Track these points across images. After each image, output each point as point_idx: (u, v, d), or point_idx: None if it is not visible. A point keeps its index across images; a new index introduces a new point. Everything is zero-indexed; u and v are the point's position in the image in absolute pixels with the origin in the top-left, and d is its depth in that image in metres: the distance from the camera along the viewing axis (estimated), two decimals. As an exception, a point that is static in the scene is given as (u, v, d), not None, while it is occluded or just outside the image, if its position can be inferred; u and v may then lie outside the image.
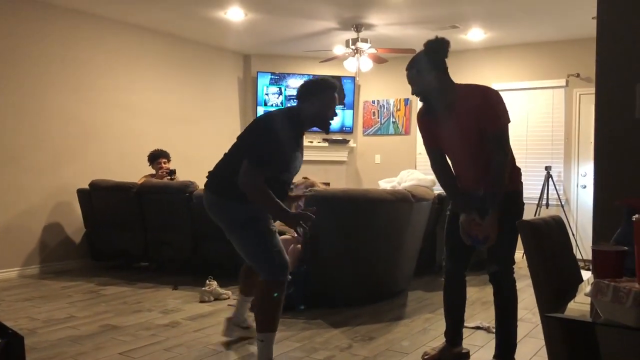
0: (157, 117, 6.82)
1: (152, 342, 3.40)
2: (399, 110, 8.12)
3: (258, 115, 7.93)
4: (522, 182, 2.96)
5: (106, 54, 6.26)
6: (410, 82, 2.89)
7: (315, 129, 3.05)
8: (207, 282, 4.51)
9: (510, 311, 2.92)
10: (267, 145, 2.82)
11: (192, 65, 7.32)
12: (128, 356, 3.16)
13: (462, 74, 7.51)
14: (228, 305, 4.33)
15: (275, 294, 2.86)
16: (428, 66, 2.76)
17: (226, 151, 3.09)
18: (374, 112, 8.32)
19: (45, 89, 5.66)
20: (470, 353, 3.21)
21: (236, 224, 2.95)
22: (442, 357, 3.08)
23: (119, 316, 4.00)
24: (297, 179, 4.68)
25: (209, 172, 3.09)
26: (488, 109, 2.69)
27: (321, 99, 2.94)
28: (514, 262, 2.93)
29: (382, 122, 8.27)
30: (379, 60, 6.74)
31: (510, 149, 2.79)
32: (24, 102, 5.48)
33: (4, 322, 2.76)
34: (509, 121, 2.73)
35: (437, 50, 2.77)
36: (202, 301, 4.42)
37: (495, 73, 7.39)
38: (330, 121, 3.01)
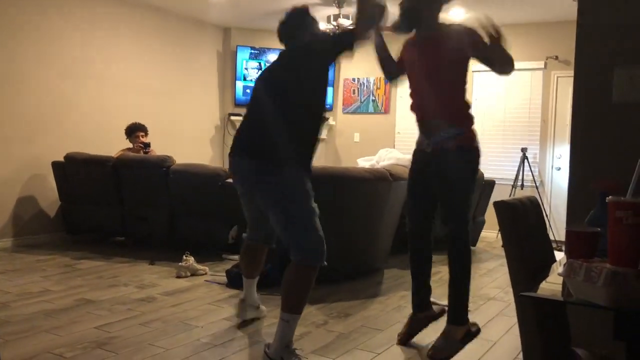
0: (135, 90, 6.71)
1: (128, 317, 3.40)
2: (379, 88, 8.11)
3: (237, 90, 7.89)
4: (478, 142, 2.89)
5: (83, 24, 6.10)
6: (407, 13, 2.92)
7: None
8: (184, 257, 4.50)
9: (461, 272, 2.86)
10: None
11: (171, 38, 7.19)
12: (104, 330, 3.15)
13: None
14: (205, 281, 4.33)
15: (308, 278, 2.69)
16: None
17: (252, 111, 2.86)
18: (353, 90, 8.30)
19: (18, 59, 5.51)
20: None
21: (288, 195, 2.70)
22: (411, 329, 3.08)
23: (95, 290, 3.98)
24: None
25: (247, 135, 2.80)
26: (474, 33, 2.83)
27: (308, 25, 2.94)
28: (467, 222, 2.87)
29: (362, 100, 8.25)
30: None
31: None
32: (-4, 71, 5.34)
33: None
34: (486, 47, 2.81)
35: None
36: (178, 276, 4.41)
37: (476, 54, 7.40)
38: None
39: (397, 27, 2.94)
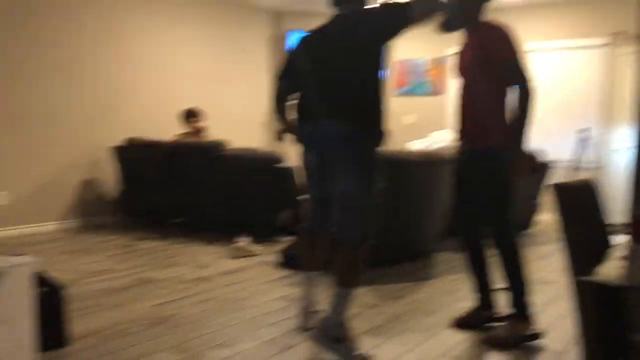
0: (190, 76, 6.85)
1: (185, 296, 3.52)
2: (433, 69, 7.98)
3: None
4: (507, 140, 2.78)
5: (140, 13, 6.27)
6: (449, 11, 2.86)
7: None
8: (238, 238, 4.60)
9: (513, 268, 2.80)
10: None
11: (223, 24, 7.28)
12: (163, 308, 3.28)
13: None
14: (258, 261, 4.42)
15: (359, 255, 2.65)
16: None
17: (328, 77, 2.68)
18: (406, 72, 8.20)
19: (77, 48, 5.72)
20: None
21: (369, 157, 2.62)
22: (470, 319, 3.06)
23: (154, 270, 4.14)
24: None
25: (340, 98, 2.62)
26: (495, 41, 2.72)
27: None
28: (508, 220, 2.80)
29: (415, 82, 8.15)
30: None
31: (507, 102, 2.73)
32: (57, 59, 5.56)
33: (46, 273, 2.89)
34: (518, 52, 2.70)
35: None
36: (234, 257, 4.52)
37: (531, 31, 7.17)
38: None
39: (444, 27, 2.90)
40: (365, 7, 2.78)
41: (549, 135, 6.95)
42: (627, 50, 6.51)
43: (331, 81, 2.66)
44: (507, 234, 2.82)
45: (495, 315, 3.07)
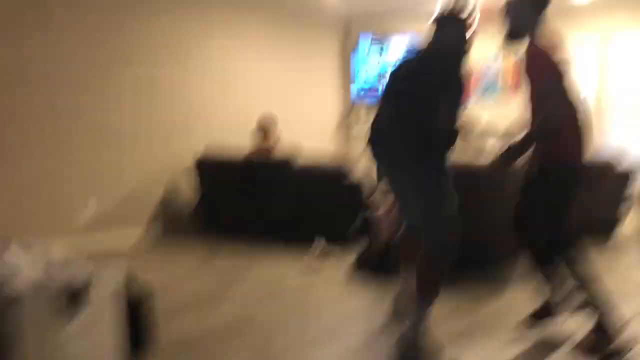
0: (265, 86, 7.01)
1: (263, 303, 3.60)
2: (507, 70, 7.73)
3: (358, 78, 7.92)
4: (576, 157, 2.79)
5: (219, 31, 6.51)
6: (505, 14, 2.92)
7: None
8: (315, 243, 4.65)
9: (584, 290, 2.74)
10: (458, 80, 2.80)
11: (294, 33, 7.41)
12: (242, 315, 3.36)
13: (582, 24, 6.99)
14: (333, 264, 4.43)
15: (438, 265, 2.72)
16: (528, 5, 2.84)
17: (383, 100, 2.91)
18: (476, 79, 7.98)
19: (158, 65, 5.97)
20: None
21: (430, 173, 2.76)
22: (541, 313, 3.06)
23: (233, 279, 4.23)
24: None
25: (389, 126, 2.82)
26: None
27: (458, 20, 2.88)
28: (570, 236, 2.81)
29: (488, 86, 7.91)
30: (487, 17, 6.40)
31: (556, 111, 2.72)
32: (139, 77, 5.82)
33: (134, 279, 3.03)
34: (547, 80, 2.72)
35: None
36: (310, 265, 4.56)
37: (615, 22, 6.79)
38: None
39: (508, 38, 2.93)
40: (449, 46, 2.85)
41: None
42: None
43: (391, 109, 2.84)
44: (568, 247, 2.80)
45: (564, 309, 3.03)
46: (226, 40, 6.64)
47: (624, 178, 5.40)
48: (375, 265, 4.14)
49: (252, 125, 6.19)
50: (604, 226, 5.49)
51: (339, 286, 3.95)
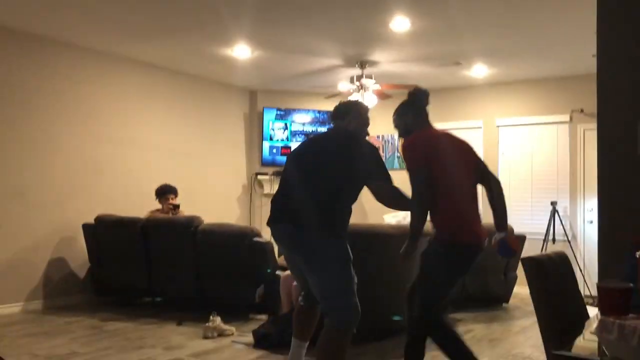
0: (163, 152, 6.88)
1: (154, 380, 3.36)
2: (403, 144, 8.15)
3: (263, 150, 8.03)
4: (461, 235, 2.94)
5: (113, 89, 6.36)
6: (394, 125, 3.27)
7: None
8: (211, 317, 4.47)
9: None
10: (381, 158, 3.06)
11: (199, 101, 7.41)
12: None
13: (466, 109, 7.59)
14: (232, 341, 4.28)
15: (345, 340, 2.81)
16: (401, 112, 3.18)
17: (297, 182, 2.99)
18: (379, 147, 8.36)
19: (51, 125, 5.73)
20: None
21: (333, 261, 2.84)
22: None
23: (122, 352, 3.96)
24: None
25: (285, 202, 2.94)
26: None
27: (356, 117, 3.14)
28: (425, 309, 2.97)
29: (387, 157, 8.29)
30: (383, 96, 6.80)
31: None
32: (31, 137, 5.55)
33: (6, 358, 2.74)
34: (415, 168, 3.00)
35: (414, 97, 3.21)
36: (205, 337, 4.37)
37: (500, 109, 7.44)
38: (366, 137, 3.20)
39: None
40: (352, 136, 3.09)
41: (521, 209, 7.06)
42: (588, 126, 6.77)
43: (290, 186, 2.97)
44: (426, 317, 2.97)
45: None
46: (130, 104, 6.52)
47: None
48: (274, 340, 4.05)
49: (152, 190, 6.03)
50: (496, 296, 5.79)
51: (235, 361, 3.80)
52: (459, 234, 2.90)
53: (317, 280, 2.86)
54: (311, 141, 3.18)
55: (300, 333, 3.17)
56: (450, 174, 2.95)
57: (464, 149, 3.10)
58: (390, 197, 2.96)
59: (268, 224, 3.00)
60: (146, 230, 5.43)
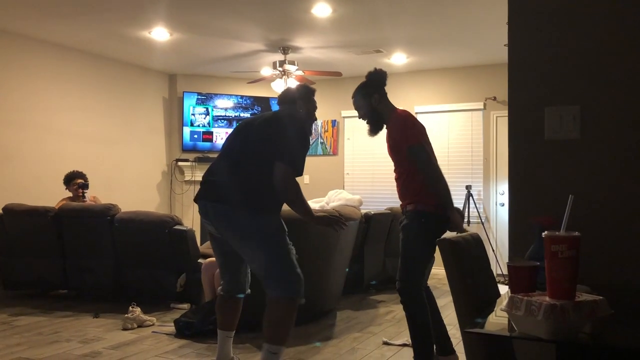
0: (78, 138, 6.57)
1: (70, 375, 3.23)
2: (327, 131, 8.22)
3: (184, 135, 7.84)
4: (430, 205, 3.05)
5: (23, 71, 5.98)
6: (355, 108, 3.28)
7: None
8: (130, 308, 4.34)
9: (411, 324, 3.04)
10: (302, 147, 2.91)
11: (115, 85, 7.12)
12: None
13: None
14: (152, 332, 4.18)
15: (292, 310, 2.81)
16: (365, 93, 3.20)
17: (226, 154, 2.98)
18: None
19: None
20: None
21: (262, 235, 2.82)
22: None
23: (34, 348, 3.77)
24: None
25: (212, 180, 2.91)
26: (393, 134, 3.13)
27: (306, 102, 3.11)
28: (410, 280, 3.03)
29: (311, 142, 8.33)
30: (306, 82, 6.82)
31: (429, 169, 3.05)
32: None
33: None
34: (414, 142, 3.05)
35: (375, 78, 3.26)
36: (124, 329, 4.24)
37: (418, 96, 7.65)
38: (313, 122, 3.21)
39: (371, 133, 3.27)
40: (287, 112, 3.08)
41: (438, 192, 7.32)
42: (501, 113, 7.11)
43: (225, 164, 2.94)
44: (408, 289, 3.02)
45: None
46: (41, 87, 6.16)
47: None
48: (196, 329, 4.00)
49: (62, 176, 5.74)
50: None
51: (158, 350, 3.72)
52: (440, 206, 3.03)
53: (256, 257, 2.84)
54: (245, 121, 3.11)
55: (224, 324, 3.12)
56: (431, 149, 3.15)
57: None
58: (279, 180, 2.80)
59: (195, 200, 2.95)
60: (59, 220, 5.18)
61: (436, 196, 3.01)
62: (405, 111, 3.23)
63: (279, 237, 2.85)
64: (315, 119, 3.25)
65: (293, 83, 6.63)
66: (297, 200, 2.86)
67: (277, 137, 2.87)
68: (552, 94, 2.05)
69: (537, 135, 2.05)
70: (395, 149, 3.11)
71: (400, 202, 3.19)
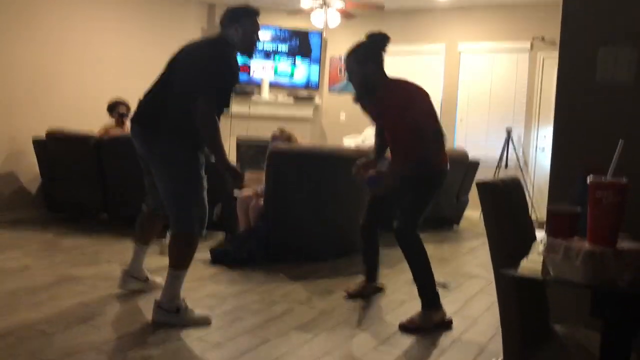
0: (117, 66, 6.60)
1: (109, 294, 3.38)
2: (366, 67, 8.06)
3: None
4: (442, 168, 3.09)
5: (67, 3, 5.98)
6: (346, 69, 3.18)
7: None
8: (167, 234, 4.46)
9: (413, 265, 3.09)
10: (225, 76, 2.80)
11: (154, 14, 7.06)
12: (86, 306, 3.14)
13: (428, 33, 7.50)
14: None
15: (189, 244, 2.91)
16: (364, 57, 3.06)
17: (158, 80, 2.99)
18: (340, 69, 8.24)
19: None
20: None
21: (169, 169, 2.87)
22: (363, 292, 3.47)
23: (77, 266, 3.96)
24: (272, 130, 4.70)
25: (142, 103, 2.99)
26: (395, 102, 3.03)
27: (245, 24, 2.95)
28: (413, 224, 3.09)
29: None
30: (347, 15, 6.64)
31: (429, 137, 2.99)
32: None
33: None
34: (419, 116, 2.98)
35: (375, 42, 3.08)
36: (162, 254, 4.38)
37: (462, 32, 7.38)
38: (255, 47, 3.03)
39: (357, 100, 3.17)
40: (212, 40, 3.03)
41: (476, 134, 7.18)
42: (548, 54, 6.82)
43: (152, 90, 2.98)
44: (410, 232, 3.11)
45: (378, 286, 3.58)
46: (81, 15, 6.15)
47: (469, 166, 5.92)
48: (230, 258, 4.11)
49: (103, 104, 5.82)
50: (449, 213, 5.99)
51: (193, 276, 3.84)
52: (437, 161, 3.05)
53: (161, 187, 2.91)
54: (182, 46, 3.04)
55: (140, 237, 3.33)
56: (430, 112, 3.09)
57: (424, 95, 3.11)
58: (198, 115, 2.71)
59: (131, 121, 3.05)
60: (100, 147, 5.29)
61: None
62: (403, 81, 3.13)
63: (188, 172, 2.86)
64: (256, 41, 3.00)
65: (334, 16, 6.46)
66: (212, 139, 2.78)
67: (197, 69, 2.79)
68: (606, 34, 1.94)
69: (587, 77, 1.96)
70: (398, 117, 3.02)
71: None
